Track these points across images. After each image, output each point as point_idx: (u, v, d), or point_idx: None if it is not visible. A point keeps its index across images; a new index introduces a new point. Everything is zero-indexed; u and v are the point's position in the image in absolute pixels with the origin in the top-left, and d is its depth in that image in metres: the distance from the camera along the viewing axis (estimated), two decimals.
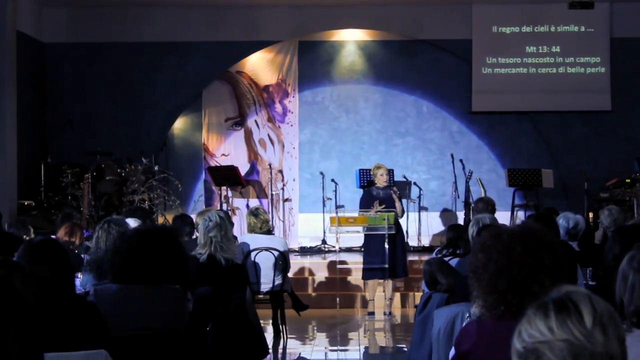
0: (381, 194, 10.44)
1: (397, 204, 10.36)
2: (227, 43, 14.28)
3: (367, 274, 10.45)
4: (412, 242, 13.47)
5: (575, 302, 1.84)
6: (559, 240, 3.00)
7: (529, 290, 2.86)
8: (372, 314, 10.44)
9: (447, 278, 5.80)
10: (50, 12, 14.17)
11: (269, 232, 9.05)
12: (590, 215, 12.59)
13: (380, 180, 10.46)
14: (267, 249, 8.54)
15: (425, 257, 11.15)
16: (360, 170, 13.05)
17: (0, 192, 11.37)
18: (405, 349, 8.53)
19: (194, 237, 8.03)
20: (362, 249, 10.76)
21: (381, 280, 10.52)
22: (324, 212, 13.52)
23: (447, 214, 14.16)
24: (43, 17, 14.15)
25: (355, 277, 11.05)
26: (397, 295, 11.14)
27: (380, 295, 10.72)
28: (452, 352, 3.13)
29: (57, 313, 3.88)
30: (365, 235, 10.47)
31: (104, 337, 3.95)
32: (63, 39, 14.19)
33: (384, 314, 10.46)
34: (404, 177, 13.69)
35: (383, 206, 10.30)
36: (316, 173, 14.09)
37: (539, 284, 2.85)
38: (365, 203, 10.48)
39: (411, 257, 11.92)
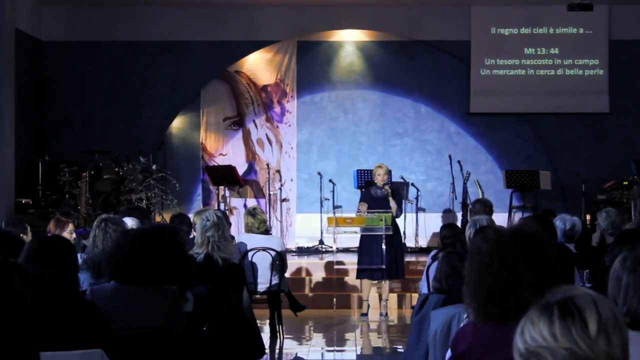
0: (379, 192, 10.49)
1: (392, 203, 10.37)
2: (226, 42, 14.28)
3: (362, 274, 10.46)
4: (410, 243, 13.48)
5: (580, 308, 1.83)
6: (548, 247, 2.99)
7: (506, 303, 2.90)
8: (364, 314, 10.44)
9: (440, 279, 5.79)
10: (49, 10, 14.17)
11: (267, 232, 9.05)
12: (588, 217, 12.60)
13: (378, 179, 10.51)
14: (265, 249, 8.54)
15: (422, 259, 11.17)
16: (358, 170, 13.04)
17: None
18: (402, 350, 8.53)
19: (191, 236, 8.04)
20: (357, 249, 10.73)
21: (375, 281, 10.54)
22: (321, 212, 13.52)
23: (445, 215, 14.17)
24: (42, 15, 14.15)
25: (353, 278, 11.05)
26: (394, 296, 11.15)
27: (376, 296, 10.73)
28: (449, 353, 3.14)
29: (59, 311, 3.89)
30: (361, 235, 10.47)
31: (105, 336, 3.96)
32: (62, 38, 14.19)
33: (380, 314, 10.46)
34: (402, 178, 13.69)
35: (366, 206, 10.37)
36: (314, 173, 14.09)
37: (515, 298, 2.89)
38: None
39: (408, 258, 11.92)
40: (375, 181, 10.55)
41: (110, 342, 3.92)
